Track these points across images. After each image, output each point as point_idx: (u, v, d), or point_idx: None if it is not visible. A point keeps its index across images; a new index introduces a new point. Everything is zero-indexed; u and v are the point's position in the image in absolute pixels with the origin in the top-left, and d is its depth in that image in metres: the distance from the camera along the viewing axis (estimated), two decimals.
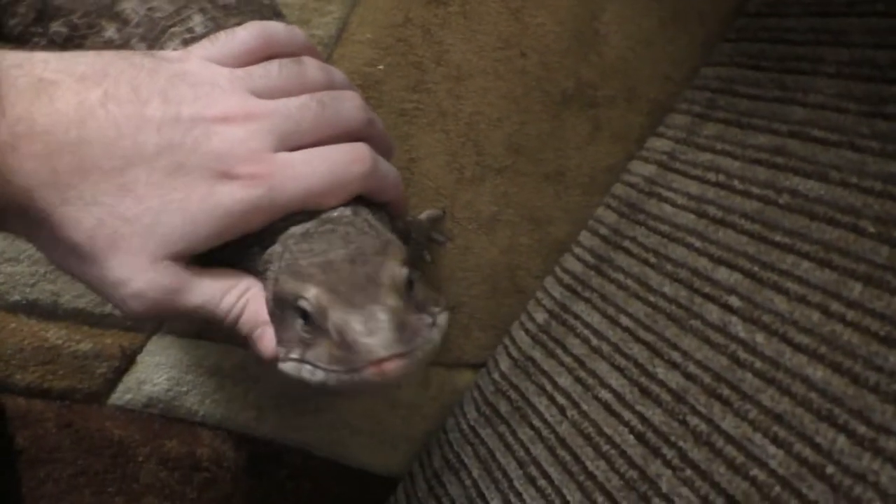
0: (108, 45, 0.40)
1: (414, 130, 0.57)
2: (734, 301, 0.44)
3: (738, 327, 0.42)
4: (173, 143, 0.32)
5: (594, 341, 0.51)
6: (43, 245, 0.33)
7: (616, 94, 0.59)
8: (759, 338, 0.41)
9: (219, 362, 0.57)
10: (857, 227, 0.40)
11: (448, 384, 0.62)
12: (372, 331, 0.29)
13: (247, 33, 0.37)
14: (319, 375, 0.31)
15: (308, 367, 0.31)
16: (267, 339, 0.34)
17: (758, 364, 0.40)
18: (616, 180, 0.59)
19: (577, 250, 0.58)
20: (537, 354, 0.55)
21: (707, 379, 0.42)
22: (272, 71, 0.36)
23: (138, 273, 0.32)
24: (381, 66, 0.55)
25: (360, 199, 0.38)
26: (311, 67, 0.38)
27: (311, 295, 0.30)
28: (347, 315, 0.30)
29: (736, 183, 0.48)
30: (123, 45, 0.40)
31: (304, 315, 0.31)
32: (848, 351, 0.37)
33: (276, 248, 0.35)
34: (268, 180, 0.33)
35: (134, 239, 0.31)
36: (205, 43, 0.36)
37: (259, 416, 0.59)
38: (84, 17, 0.39)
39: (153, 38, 0.39)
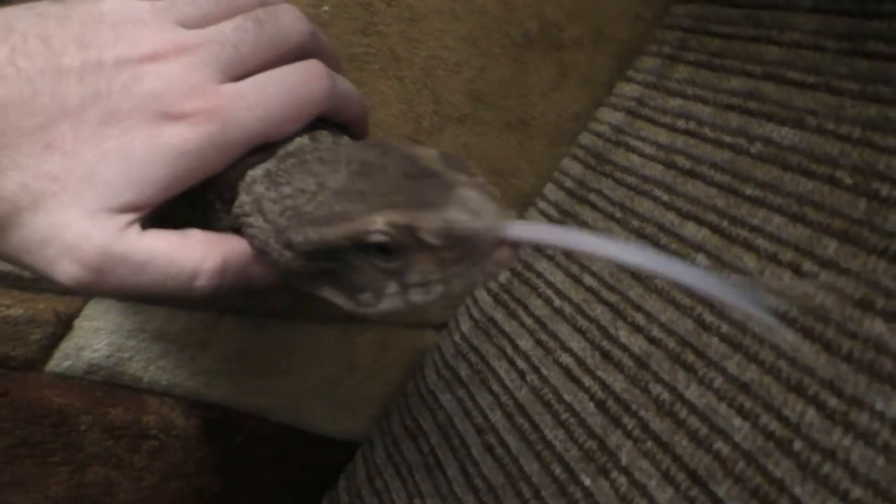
0: None
1: (365, 77, 0.52)
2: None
3: None
4: (100, 92, 0.28)
5: (556, 302, 0.48)
6: None
7: (582, 34, 0.55)
8: None
9: (163, 326, 0.54)
10: (834, 177, 0.37)
11: (409, 346, 0.59)
12: (477, 211, 0.26)
13: None
14: (438, 289, 0.28)
15: (417, 289, 0.28)
16: (263, 268, 0.32)
17: (724, 328, 0.37)
18: (583, 129, 0.56)
19: (542, 204, 0.54)
20: (498, 315, 0.52)
21: (671, 343, 0.39)
22: None
23: (69, 226, 0.28)
24: (325, 8, 0.50)
25: (316, 124, 0.34)
26: None
27: (381, 223, 0.26)
28: (442, 215, 0.26)
29: (706, 131, 0.45)
30: None
31: (382, 248, 0.27)
32: (820, 315, 0.34)
33: (244, 198, 0.32)
34: (219, 113, 0.29)
35: (65, 195, 0.28)
36: None
37: (209, 381, 0.56)
38: None
39: None
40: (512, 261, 0.28)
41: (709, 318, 0.38)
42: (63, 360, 0.53)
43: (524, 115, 0.56)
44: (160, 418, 0.56)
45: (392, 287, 0.28)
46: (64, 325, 0.52)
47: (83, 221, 0.28)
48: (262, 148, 0.32)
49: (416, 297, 0.28)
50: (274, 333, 0.57)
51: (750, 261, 0.38)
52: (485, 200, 0.26)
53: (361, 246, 0.27)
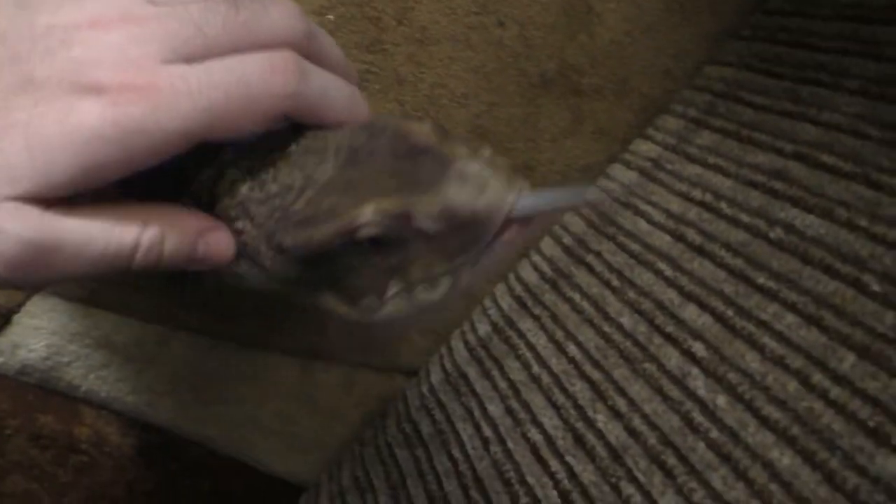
0: None
1: (363, 97, 0.48)
2: (699, 349, 0.36)
3: (699, 382, 0.35)
4: (20, 54, 0.24)
5: (535, 368, 0.43)
6: None
7: (604, 83, 0.51)
8: (721, 401, 0.33)
9: (109, 334, 0.50)
10: (860, 282, 0.32)
11: (375, 390, 0.55)
12: (480, 186, 0.22)
13: None
14: (445, 284, 0.24)
15: (422, 287, 0.24)
16: (218, 241, 0.27)
17: (714, 434, 0.33)
18: (591, 183, 0.51)
19: (535, 258, 0.50)
20: (472, 372, 0.48)
21: (652, 439, 0.35)
22: None
23: None
24: (330, 17, 0.47)
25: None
26: None
27: (370, 214, 0.23)
28: (439, 196, 0.22)
29: (724, 206, 0.41)
30: None
31: (377, 243, 0.24)
32: (826, 439, 0.29)
33: (227, 201, 0.27)
34: (150, 95, 0.24)
35: None
36: None
37: (152, 400, 0.52)
38: None
39: None
40: (523, 239, 0.24)
41: (698, 417, 0.34)
42: None
43: (530, 160, 0.51)
44: (93, 433, 0.51)
45: (394, 287, 0.25)
46: (2, 319, 0.48)
47: None
48: (240, 144, 0.28)
49: (423, 295, 0.25)
50: (230, 358, 0.52)
51: (752, 361, 0.33)
52: (488, 173, 0.23)
53: (355, 243, 0.24)
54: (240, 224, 0.27)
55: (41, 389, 0.50)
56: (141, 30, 0.25)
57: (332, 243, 0.24)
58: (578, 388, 0.40)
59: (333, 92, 0.29)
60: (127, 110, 0.24)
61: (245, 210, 0.27)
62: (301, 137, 0.28)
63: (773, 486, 0.29)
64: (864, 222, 0.34)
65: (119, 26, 0.25)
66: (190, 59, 0.26)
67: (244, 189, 0.27)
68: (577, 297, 0.44)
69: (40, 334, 0.49)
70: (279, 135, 0.28)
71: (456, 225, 0.23)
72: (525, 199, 0.23)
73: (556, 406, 0.40)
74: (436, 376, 0.50)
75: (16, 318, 0.48)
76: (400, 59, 0.48)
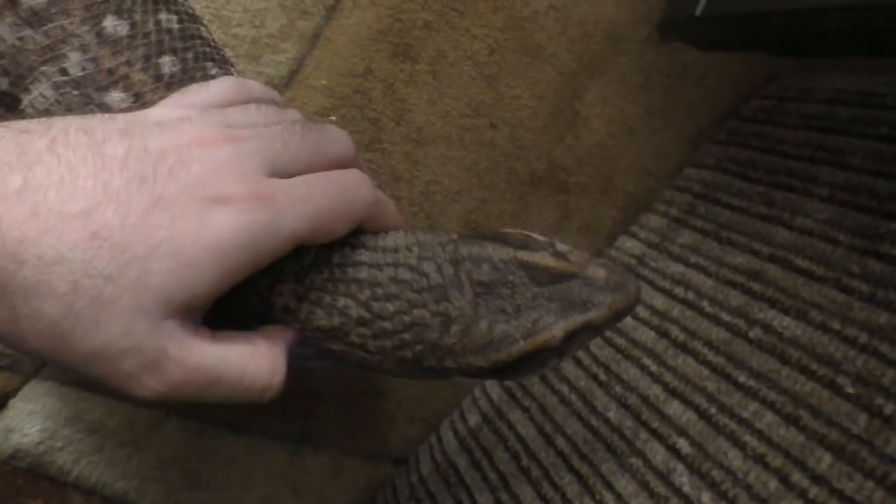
0: None
1: None
2: (683, 445, 0.37)
3: (683, 478, 0.36)
4: (145, 176, 0.26)
5: (524, 460, 0.44)
6: (10, 335, 0.25)
7: (590, 182, 0.54)
8: (706, 498, 0.35)
9: (102, 419, 0.50)
10: (834, 383, 0.34)
11: (363, 477, 0.55)
12: (620, 285, 0.30)
13: (223, 84, 0.32)
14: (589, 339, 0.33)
15: (574, 349, 0.32)
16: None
17: None
18: None
19: None
20: (462, 462, 0.48)
21: None
22: (250, 108, 0.32)
23: (141, 338, 0.25)
24: (332, 117, 0.49)
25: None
26: (292, 113, 0.33)
27: (561, 334, 0.30)
28: (606, 307, 0.30)
29: (705, 304, 0.43)
30: None
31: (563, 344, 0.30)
32: None
33: (320, 323, 0.31)
34: (270, 202, 0.27)
35: (123, 299, 0.25)
36: (175, 95, 0.31)
37: (141, 485, 0.52)
38: None
39: (17, 74, 0.33)
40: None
41: None
42: None
43: None
44: None
45: (555, 361, 0.31)
46: None
47: (153, 332, 0.26)
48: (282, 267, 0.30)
49: (572, 354, 0.32)
50: (218, 442, 0.53)
51: (735, 459, 0.35)
52: (618, 275, 0.30)
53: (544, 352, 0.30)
54: (333, 346, 0.31)
55: (32, 474, 0.50)
56: (244, 146, 0.28)
57: (523, 357, 0.30)
58: (567, 480, 0.41)
59: (389, 202, 0.34)
60: (256, 217, 0.27)
61: (340, 337, 0.31)
62: (355, 262, 0.31)
63: None
64: (836, 325, 0.36)
65: (223, 144, 0.28)
66: (280, 172, 0.29)
67: (322, 317, 0.30)
68: (565, 389, 0.46)
69: (35, 419, 0.49)
70: (306, 258, 0.31)
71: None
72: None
73: (545, 499, 0.41)
74: (425, 466, 0.51)
75: (11, 402, 0.49)
76: (397, 158, 0.51)
